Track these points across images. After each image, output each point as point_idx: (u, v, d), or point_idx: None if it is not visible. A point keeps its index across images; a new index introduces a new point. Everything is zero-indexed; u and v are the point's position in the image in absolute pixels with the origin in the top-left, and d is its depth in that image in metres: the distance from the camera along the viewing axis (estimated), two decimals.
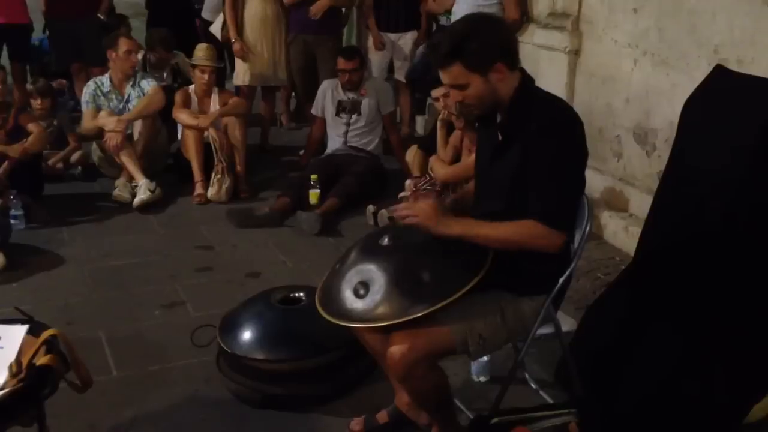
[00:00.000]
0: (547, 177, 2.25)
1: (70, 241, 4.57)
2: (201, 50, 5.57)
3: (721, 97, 2.80)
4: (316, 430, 2.84)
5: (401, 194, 4.87)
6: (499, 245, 2.29)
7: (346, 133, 5.52)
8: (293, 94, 7.18)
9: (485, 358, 2.95)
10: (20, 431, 2.12)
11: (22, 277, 4.04)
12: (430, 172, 4.69)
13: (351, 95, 5.55)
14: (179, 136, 5.67)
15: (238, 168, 5.41)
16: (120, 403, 2.94)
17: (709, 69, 2.95)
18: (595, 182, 4.43)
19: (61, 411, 2.61)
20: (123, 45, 5.46)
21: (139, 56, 5.80)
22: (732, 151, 2.62)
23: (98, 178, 5.66)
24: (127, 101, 5.51)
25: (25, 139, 4.95)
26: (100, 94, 5.49)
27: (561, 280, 2.43)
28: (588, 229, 2.44)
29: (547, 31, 5.03)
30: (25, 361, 2.03)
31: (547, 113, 2.31)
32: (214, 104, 5.57)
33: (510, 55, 2.31)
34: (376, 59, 6.46)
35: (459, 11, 5.36)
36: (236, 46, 6.03)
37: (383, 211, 4.66)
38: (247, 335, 2.99)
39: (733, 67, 3.22)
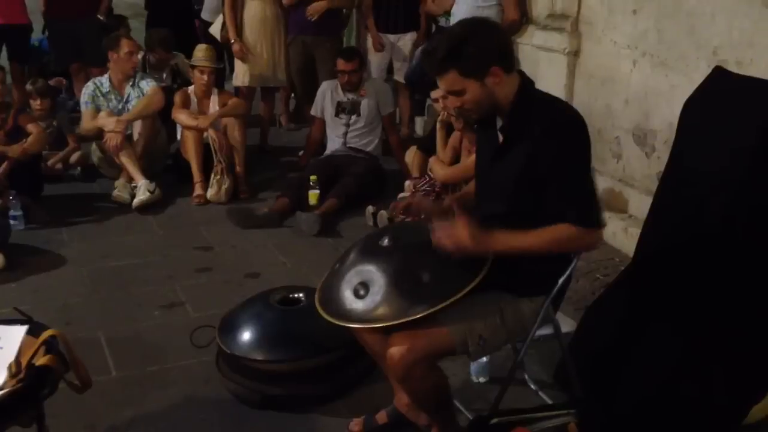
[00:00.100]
0: (567, 178, 2.25)
1: (70, 241, 4.57)
2: (200, 51, 5.57)
3: (720, 98, 2.80)
4: (315, 430, 2.84)
5: (400, 195, 4.87)
6: (537, 254, 2.29)
7: (345, 133, 5.53)
8: (292, 94, 7.19)
9: (484, 358, 2.95)
10: (19, 431, 2.12)
11: (21, 278, 4.04)
12: (430, 173, 4.70)
13: (350, 96, 5.55)
14: (178, 137, 5.67)
15: (238, 169, 5.41)
16: (119, 404, 2.94)
17: (709, 70, 2.95)
18: None
19: (60, 411, 2.61)
20: (125, 46, 5.47)
21: (139, 57, 5.79)
22: (731, 153, 2.62)
23: (98, 178, 5.66)
24: (127, 101, 5.51)
25: (24, 140, 4.95)
26: (99, 94, 5.49)
27: (560, 281, 2.43)
28: None
29: (546, 32, 5.04)
30: (24, 362, 2.03)
31: (550, 114, 2.31)
32: (214, 105, 5.57)
33: (506, 59, 2.30)
34: (375, 60, 6.46)
35: (458, 12, 5.37)
36: (236, 47, 6.03)
37: (383, 212, 4.66)
38: (246, 336, 2.99)
39: (732, 68, 3.22)
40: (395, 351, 2.25)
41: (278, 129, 7.02)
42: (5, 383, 1.98)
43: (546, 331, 2.54)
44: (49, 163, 5.60)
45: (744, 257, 2.56)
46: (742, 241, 2.56)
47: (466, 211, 2.31)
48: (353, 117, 5.52)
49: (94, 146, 5.62)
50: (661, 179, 2.99)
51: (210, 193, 5.24)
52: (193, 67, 5.56)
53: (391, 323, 2.23)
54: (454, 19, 5.48)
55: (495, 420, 2.54)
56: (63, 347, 2.12)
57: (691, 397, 2.57)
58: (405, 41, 6.42)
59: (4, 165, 4.84)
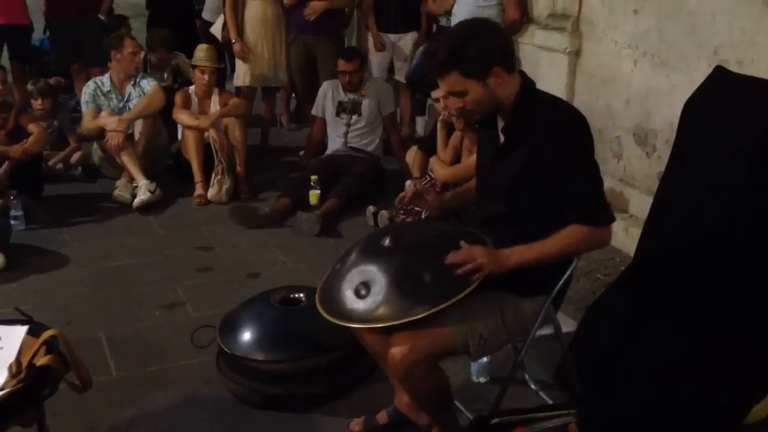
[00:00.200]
0: (572, 179, 2.25)
1: (70, 241, 4.57)
2: (201, 51, 5.57)
3: (721, 98, 2.80)
4: (315, 430, 2.84)
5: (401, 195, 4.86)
6: (555, 260, 2.31)
7: (346, 133, 5.53)
8: (293, 94, 7.19)
9: (485, 358, 2.95)
10: (20, 431, 2.12)
11: (22, 278, 4.04)
12: (430, 173, 4.69)
13: (351, 96, 5.55)
14: (179, 137, 5.67)
15: (239, 168, 5.41)
16: (120, 404, 2.94)
17: (709, 70, 2.95)
18: None
19: (60, 411, 2.61)
20: (128, 46, 5.48)
21: (140, 57, 5.80)
22: (732, 153, 2.62)
23: (98, 178, 5.66)
24: (128, 100, 5.51)
25: (25, 140, 4.95)
26: (100, 93, 5.49)
27: (561, 281, 2.43)
28: None
29: (547, 32, 5.03)
30: (24, 362, 2.03)
31: (552, 114, 2.31)
32: (215, 105, 5.57)
33: (507, 59, 2.30)
34: (376, 60, 6.46)
35: (459, 12, 5.37)
36: (237, 47, 6.03)
37: (383, 212, 4.66)
38: (246, 336, 2.99)
39: (733, 68, 3.22)
40: (396, 351, 2.24)
41: (279, 129, 7.02)
42: (6, 383, 1.98)
43: (547, 331, 2.54)
44: (50, 163, 5.61)
45: (744, 257, 2.56)
46: (742, 241, 2.56)
47: (476, 241, 2.30)
48: (354, 117, 5.52)
49: (95, 146, 5.63)
50: (662, 179, 2.98)
51: (211, 193, 5.24)
52: (194, 67, 5.56)
53: (392, 323, 2.23)
54: (454, 19, 5.48)
55: (495, 420, 2.54)
56: (63, 347, 2.12)
57: (692, 397, 2.57)
58: (406, 41, 6.42)
59: (5, 165, 4.84)
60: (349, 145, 5.52)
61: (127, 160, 5.24)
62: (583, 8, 4.78)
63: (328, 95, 5.62)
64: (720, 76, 2.87)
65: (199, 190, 5.26)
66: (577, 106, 2.56)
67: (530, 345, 2.51)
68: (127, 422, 2.84)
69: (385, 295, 2.23)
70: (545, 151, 2.24)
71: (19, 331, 2.15)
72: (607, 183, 4.53)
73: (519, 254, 2.27)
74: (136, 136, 5.50)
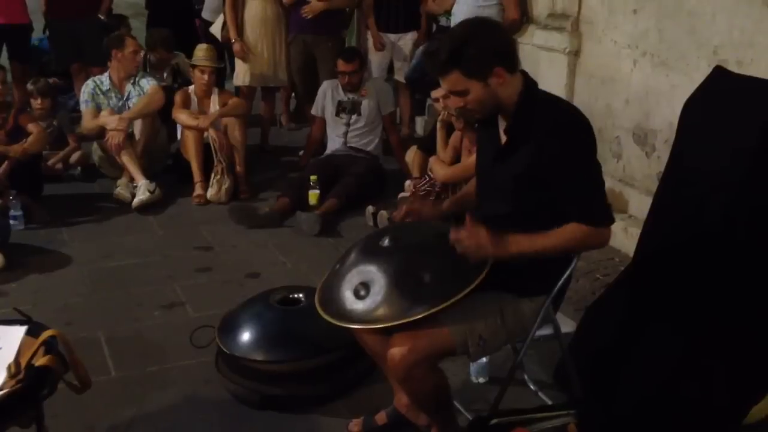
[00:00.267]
0: (573, 178, 2.25)
1: (70, 241, 4.57)
2: (201, 51, 5.57)
3: (721, 98, 2.80)
4: (314, 430, 2.84)
5: (401, 195, 4.87)
6: (552, 255, 2.31)
7: (345, 133, 5.52)
8: (293, 94, 7.18)
9: (484, 359, 2.95)
10: None
11: (21, 278, 4.04)
12: (430, 173, 4.69)
13: (351, 96, 5.55)
14: (179, 137, 5.67)
15: (238, 168, 5.41)
16: (119, 404, 2.94)
17: (709, 70, 2.95)
18: None
19: (59, 411, 2.61)
20: (130, 45, 5.50)
21: (140, 56, 5.80)
22: (732, 153, 2.62)
23: (98, 178, 5.66)
24: (127, 99, 5.51)
25: (24, 140, 4.95)
26: (99, 92, 5.49)
27: (560, 281, 2.43)
28: None
29: (546, 31, 5.03)
30: (23, 362, 2.03)
31: (554, 114, 2.32)
32: (214, 105, 5.57)
33: (509, 59, 2.30)
34: (376, 60, 6.45)
35: (459, 12, 5.36)
36: (236, 47, 6.03)
37: (383, 212, 4.66)
38: (246, 336, 2.99)
39: (733, 68, 3.22)
40: (396, 351, 2.24)
41: (279, 129, 7.02)
42: (4, 384, 1.98)
43: (546, 331, 2.54)
44: (50, 162, 5.60)
45: (744, 257, 2.55)
46: (742, 241, 2.56)
47: (479, 220, 2.31)
48: (354, 116, 5.52)
49: (95, 145, 5.62)
50: (662, 179, 2.98)
51: (210, 192, 5.24)
52: (194, 66, 5.56)
53: (391, 324, 2.23)
54: (454, 19, 5.48)
55: (495, 420, 2.53)
56: (62, 347, 2.12)
57: (691, 398, 2.57)
58: (406, 41, 6.42)
59: (5, 165, 4.84)
60: (348, 145, 5.51)
61: (126, 159, 5.24)
62: (583, 8, 4.78)
63: (327, 95, 5.62)
64: (720, 76, 2.87)
65: (198, 190, 5.25)
66: (576, 106, 2.56)
67: (529, 345, 2.51)
68: (126, 422, 2.84)
69: (385, 296, 2.23)
70: (547, 151, 2.24)
71: (18, 332, 2.15)
72: (607, 183, 4.49)
73: (517, 244, 2.26)
74: (137, 135, 5.50)
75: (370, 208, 4.81)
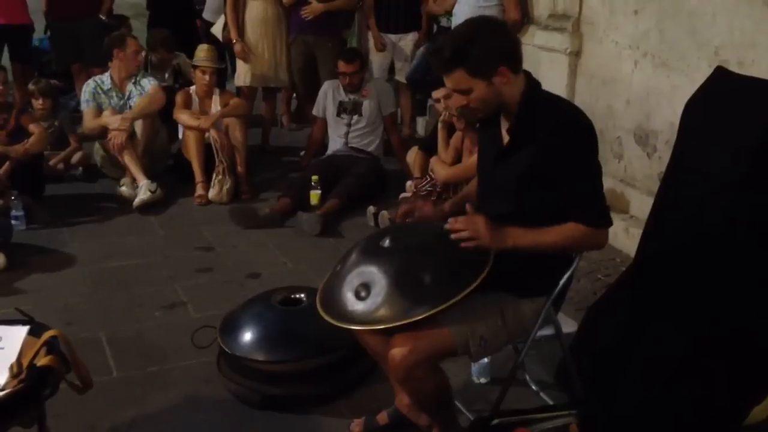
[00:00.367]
0: (575, 179, 2.26)
1: (71, 241, 4.57)
2: (202, 51, 5.57)
3: (722, 98, 2.80)
4: (316, 431, 2.84)
5: (402, 195, 4.87)
6: (550, 251, 2.32)
7: (347, 134, 5.53)
8: (294, 95, 7.19)
9: (486, 359, 2.95)
10: (21, 431, 2.13)
11: (22, 278, 4.04)
12: (431, 173, 4.69)
13: (352, 96, 5.55)
14: (180, 137, 5.67)
15: (239, 169, 5.41)
16: (120, 404, 2.94)
17: (710, 71, 2.95)
18: None
19: (61, 411, 2.61)
20: (131, 45, 5.51)
21: (142, 56, 5.80)
22: (733, 153, 2.62)
23: (99, 178, 5.66)
24: (129, 98, 5.52)
25: (26, 140, 4.95)
26: (100, 92, 5.50)
27: (561, 282, 2.43)
28: None
29: (547, 32, 5.03)
30: (25, 362, 2.03)
31: (556, 115, 2.32)
32: (215, 105, 5.57)
33: (513, 59, 2.30)
34: (377, 60, 6.46)
35: (460, 12, 5.36)
36: (237, 47, 6.03)
37: (384, 212, 4.66)
38: (247, 336, 2.99)
39: (734, 68, 3.22)
40: (397, 352, 2.25)
41: (280, 129, 7.02)
42: (6, 384, 1.99)
43: (547, 331, 2.54)
44: (51, 163, 5.61)
45: (745, 258, 2.55)
46: (743, 242, 2.56)
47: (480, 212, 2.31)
48: (355, 117, 5.52)
49: (97, 146, 5.62)
50: (663, 179, 2.98)
51: (211, 193, 5.24)
52: (195, 67, 5.57)
53: (392, 325, 2.23)
54: (455, 19, 5.48)
55: (496, 421, 2.54)
56: (64, 347, 2.12)
57: (692, 398, 2.57)
58: (406, 41, 6.42)
59: (6, 165, 4.84)
60: (349, 145, 5.52)
61: (128, 159, 5.24)
62: (584, 9, 4.78)
63: (328, 95, 5.62)
64: (720, 77, 2.87)
65: (199, 190, 5.26)
66: (577, 106, 2.56)
67: (531, 346, 2.51)
68: (127, 423, 2.84)
69: (385, 297, 2.23)
70: (549, 150, 2.25)
71: (20, 332, 2.15)
72: (608, 184, 4.54)
73: (515, 237, 2.27)
74: (139, 135, 5.50)
75: (371, 209, 4.81)
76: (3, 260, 4.10)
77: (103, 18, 6.88)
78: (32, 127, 5.04)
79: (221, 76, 6.29)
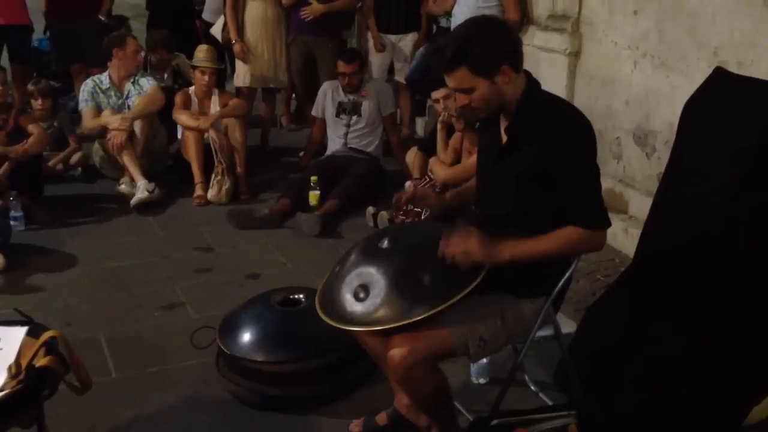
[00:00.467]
0: (573, 180, 2.26)
1: (70, 242, 4.57)
2: (201, 52, 5.57)
3: (721, 99, 2.80)
4: (315, 431, 2.84)
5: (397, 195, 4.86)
6: (547, 259, 2.30)
7: (346, 134, 5.53)
8: (293, 95, 7.19)
9: (485, 360, 2.95)
10: None
11: (21, 279, 4.04)
12: (430, 174, 4.69)
13: (351, 97, 5.55)
14: (179, 138, 5.67)
15: (239, 169, 5.41)
16: (119, 405, 2.94)
17: (709, 71, 2.95)
18: None
19: (60, 412, 2.61)
20: (131, 44, 5.52)
21: (141, 56, 5.80)
22: (732, 153, 2.62)
23: (98, 179, 5.66)
24: (127, 98, 5.52)
25: (25, 141, 4.94)
26: (99, 91, 5.50)
27: (561, 282, 2.43)
28: None
29: (546, 33, 5.03)
30: (24, 363, 2.03)
31: (555, 115, 2.32)
32: (215, 106, 5.57)
33: (515, 58, 2.30)
34: (376, 61, 6.46)
35: (459, 13, 5.36)
36: (237, 48, 6.03)
37: (383, 213, 4.66)
38: (246, 337, 2.99)
39: (733, 69, 3.22)
40: (396, 353, 2.24)
41: (279, 130, 7.02)
42: (5, 384, 1.98)
43: (546, 332, 2.54)
44: (50, 163, 5.60)
45: (744, 258, 2.55)
46: (742, 242, 2.56)
47: (473, 225, 2.30)
48: (354, 117, 5.52)
49: (96, 146, 5.62)
50: (662, 180, 2.98)
51: (211, 193, 5.24)
52: (194, 67, 5.56)
53: (391, 325, 2.23)
54: (454, 20, 5.48)
55: (495, 421, 2.53)
56: (63, 348, 2.12)
57: (692, 398, 2.57)
58: (406, 42, 6.42)
59: (5, 165, 4.84)
60: (349, 145, 5.52)
61: (127, 160, 5.24)
62: (583, 9, 4.78)
63: (328, 96, 5.62)
64: (720, 77, 2.87)
65: (198, 190, 5.26)
66: (576, 107, 2.56)
67: (530, 346, 2.51)
68: (126, 423, 2.84)
69: (384, 297, 2.23)
70: (548, 151, 2.24)
71: (19, 332, 2.15)
72: (607, 184, 4.56)
73: (512, 249, 2.26)
74: (138, 135, 5.49)
75: (370, 209, 4.81)
76: (2, 261, 4.10)
77: (103, 18, 6.87)
78: (31, 128, 5.03)
79: (220, 77, 6.29)
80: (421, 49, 6.28)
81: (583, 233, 2.26)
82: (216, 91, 5.65)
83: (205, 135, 5.37)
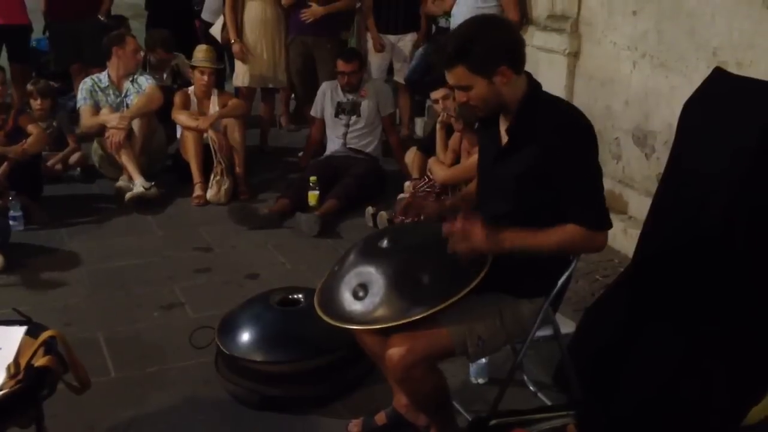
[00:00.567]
0: (574, 180, 2.26)
1: (69, 242, 4.57)
2: (201, 52, 5.57)
3: (720, 99, 2.80)
4: (314, 431, 2.84)
5: (400, 196, 4.87)
6: (547, 254, 2.30)
7: (345, 134, 5.52)
8: (293, 95, 7.19)
9: (484, 360, 2.95)
10: None
11: (20, 278, 4.04)
12: (429, 174, 4.69)
13: (350, 97, 5.55)
14: (178, 138, 5.67)
15: (238, 169, 5.41)
16: (118, 405, 2.94)
17: (708, 71, 2.95)
18: None
19: (59, 412, 2.60)
20: (130, 43, 5.53)
21: (140, 55, 5.81)
22: (731, 154, 2.62)
23: (97, 179, 5.66)
24: (126, 96, 5.52)
25: (24, 141, 4.94)
26: (97, 89, 5.50)
27: (560, 282, 2.43)
28: None
29: (546, 33, 5.04)
30: (23, 363, 2.03)
31: (556, 116, 2.32)
32: (214, 106, 5.57)
33: (515, 59, 2.31)
34: (375, 61, 6.46)
35: (458, 13, 5.36)
36: (236, 48, 6.03)
37: (382, 213, 4.66)
38: (245, 337, 2.99)
39: (732, 69, 3.22)
40: (394, 352, 2.24)
41: (278, 130, 7.02)
42: (4, 384, 1.99)
43: (545, 332, 2.54)
44: (49, 163, 5.60)
45: (744, 258, 2.56)
46: (741, 242, 2.56)
47: (474, 213, 2.31)
48: (353, 118, 5.52)
49: (95, 145, 5.62)
50: (661, 180, 2.99)
51: (210, 193, 5.24)
52: (194, 67, 5.56)
53: (390, 324, 2.23)
54: (454, 20, 5.48)
55: (494, 421, 2.53)
56: (62, 348, 2.12)
57: (691, 398, 2.57)
58: (405, 42, 6.42)
59: (4, 166, 4.83)
60: (348, 146, 5.52)
61: (125, 159, 5.24)
62: (582, 9, 4.78)
63: (327, 96, 5.62)
64: (719, 78, 2.87)
65: (198, 190, 5.25)
66: (577, 107, 2.56)
67: (529, 346, 2.51)
68: (125, 423, 2.84)
69: (383, 297, 2.23)
70: (549, 151, 2.24)
71: (18, 332, 2.15)
72: (607, 184, 4.50)
73: (512, 240, 2.26)
74: (136, 134, 5.49)
75: (369, 209, 4.81)
76: (1, 261, 4.09)
77: (102, 18, 6.87)
78: (30, 128, 5.03)
79: (220, 77, 6.30)
80: (420, 50, 6.28)
81: (584, 233, 2.26)
82: (215, 91, 5.65)
83: (204, 135, 5.37)
